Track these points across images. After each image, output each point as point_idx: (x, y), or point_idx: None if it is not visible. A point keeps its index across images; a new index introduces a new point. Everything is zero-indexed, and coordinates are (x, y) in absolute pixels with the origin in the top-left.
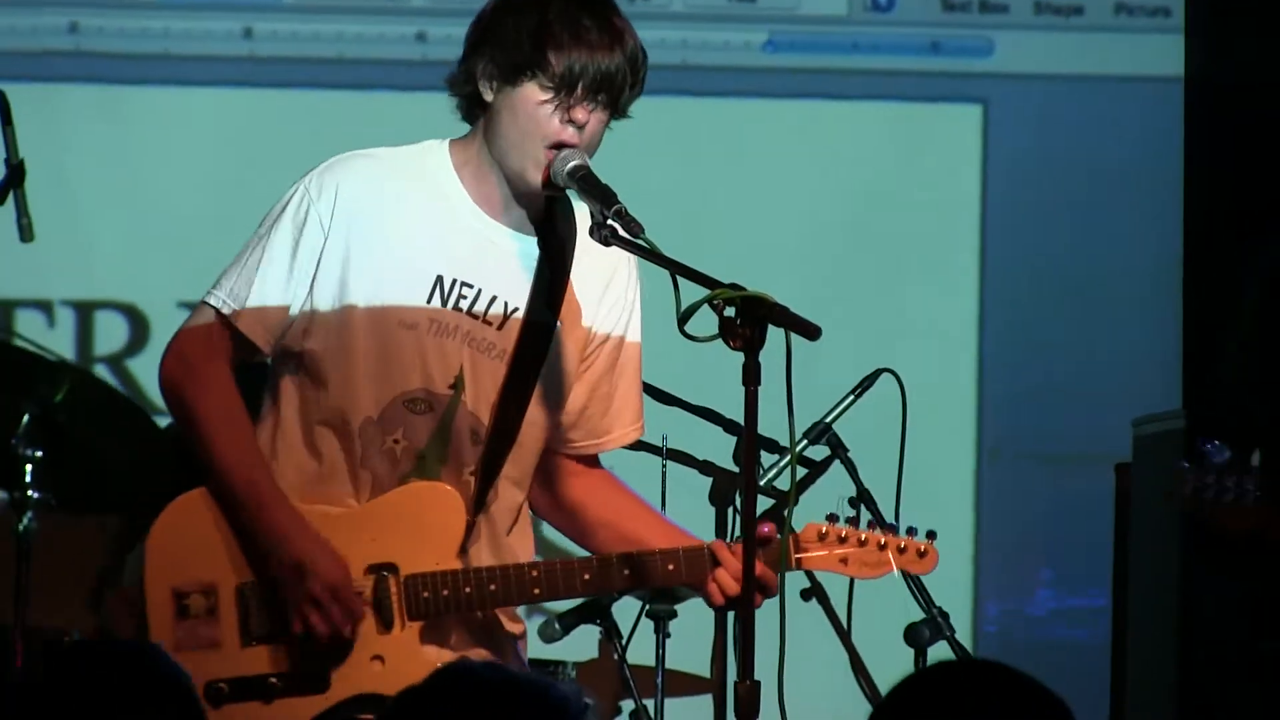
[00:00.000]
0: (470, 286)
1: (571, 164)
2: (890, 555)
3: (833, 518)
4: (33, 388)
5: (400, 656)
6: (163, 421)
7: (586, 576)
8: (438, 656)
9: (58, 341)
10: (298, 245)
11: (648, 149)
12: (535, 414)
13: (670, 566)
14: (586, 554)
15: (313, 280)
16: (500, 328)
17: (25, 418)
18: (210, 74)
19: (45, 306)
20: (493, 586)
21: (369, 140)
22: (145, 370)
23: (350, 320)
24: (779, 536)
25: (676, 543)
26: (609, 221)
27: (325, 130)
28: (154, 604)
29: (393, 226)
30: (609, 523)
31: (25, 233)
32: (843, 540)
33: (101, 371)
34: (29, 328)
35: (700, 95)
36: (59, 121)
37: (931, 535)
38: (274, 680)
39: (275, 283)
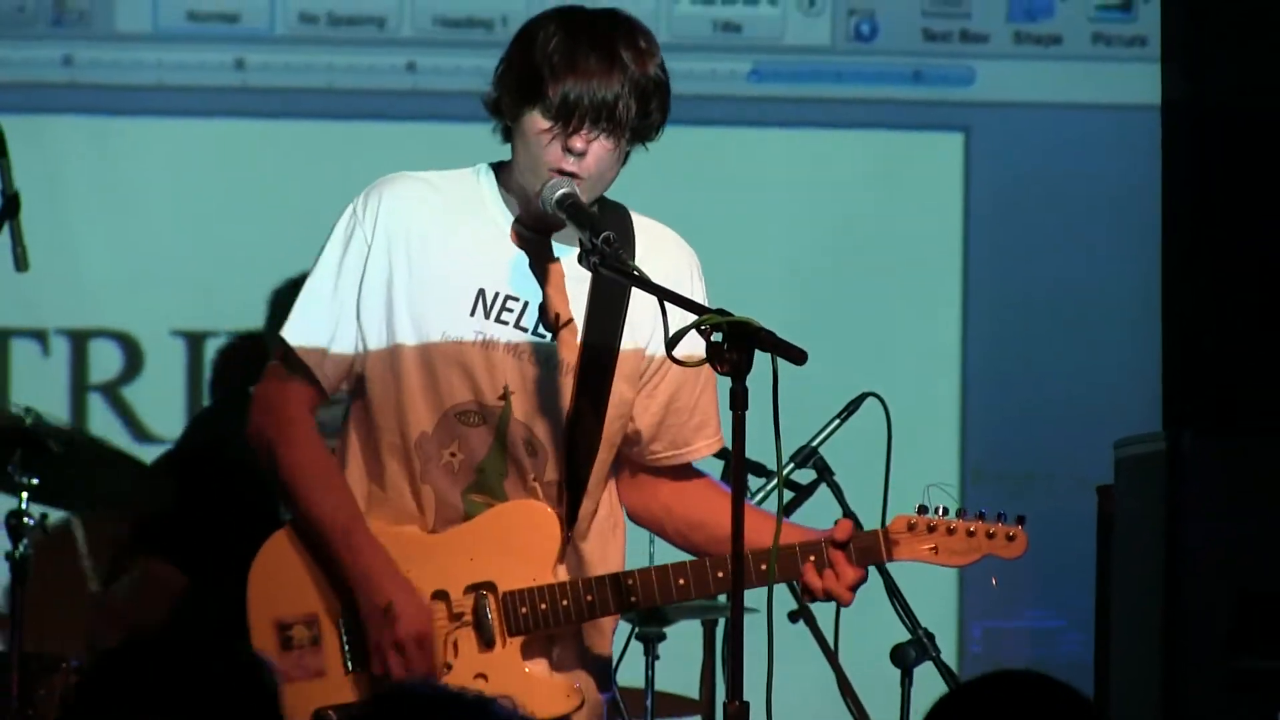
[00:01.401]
0: (516, 299)
1: (559, 193)
2: (980, 541)
3: (922, 509)
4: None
5: (502, 673)
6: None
7: (681, 581)
8: (540, 671)
9: (53, 369)
10: (343, 263)
11: (635, 176)
12: (602, 424)
13: (763, 566)
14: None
15: (359, 298)
16: (554, 339)
17: (17, 451)
18: (203, 105)
19: (40, 335)
20: (589, 597)
21: (360, 169)
22: (139, 397)
23: (395, 335)
24: (858, 530)
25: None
26: (598, 248)
27: (317, 160)
28: (259, 637)
29: (435, 241)
30: (702, 524)
31: (20, 262)
32: (932, 530)
33: (96, 399)
34: (24, 356)
35: (686, 124)
36: (53, 153)
37: (1021, 520)
38: None
39: (321, 299)
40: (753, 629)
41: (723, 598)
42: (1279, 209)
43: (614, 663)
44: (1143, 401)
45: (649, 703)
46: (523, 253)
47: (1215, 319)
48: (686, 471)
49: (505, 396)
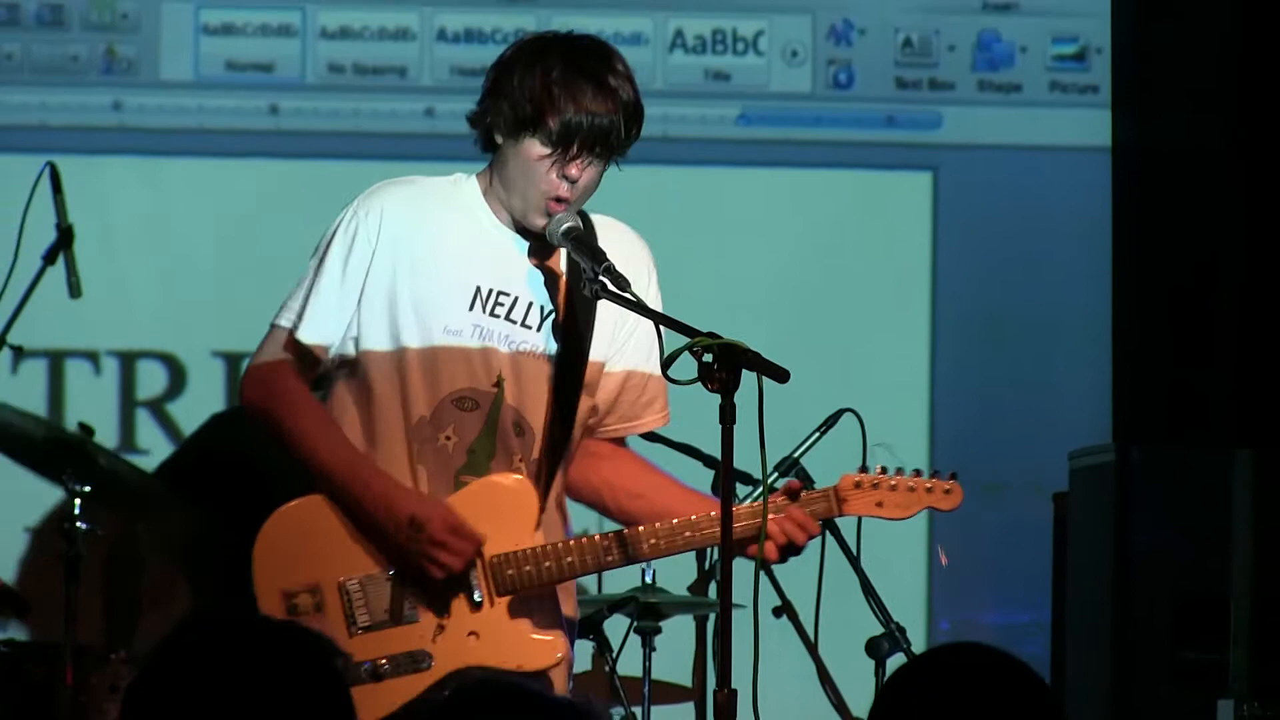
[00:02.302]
0: (507, 294)
1: (565, 225)
2: (920, 495)
3: (864, 469)
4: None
5: (493, 630)
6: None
7: (653, 541)
8: (525, 628)
9: (104, 387)
10: (348, 262)
11: (633, 213)
12: (577, 406)
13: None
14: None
15: (361, 293)
16: (539, 329)
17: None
18: (240, 146)
19: (92, 356)
20: (569, 559)
21: None
22: (182, 412)
23: (399, 328)
24: (806, 487)
25: (711, 509)
26: (599, 278)
27: (343, 196)
28: (266, 607)
29: (434, 243)
30: (641, 494)
31: (74, 289)
32: (876, 487)
33: (143, 414)
34: (78, 375)
35: (680, 164)
36: (104, 190)
37: (954, 476)
38: (384, 663)
39: (330, 298)
40: (740, 623)
41: (712, 593)
42: (1217, 242)
43: (614, 654)
44: (1095, 416)
45: (646, 690)
46: (510, 252)
47: (1161, 341)
48: (621, 449)
49: (499, 383)
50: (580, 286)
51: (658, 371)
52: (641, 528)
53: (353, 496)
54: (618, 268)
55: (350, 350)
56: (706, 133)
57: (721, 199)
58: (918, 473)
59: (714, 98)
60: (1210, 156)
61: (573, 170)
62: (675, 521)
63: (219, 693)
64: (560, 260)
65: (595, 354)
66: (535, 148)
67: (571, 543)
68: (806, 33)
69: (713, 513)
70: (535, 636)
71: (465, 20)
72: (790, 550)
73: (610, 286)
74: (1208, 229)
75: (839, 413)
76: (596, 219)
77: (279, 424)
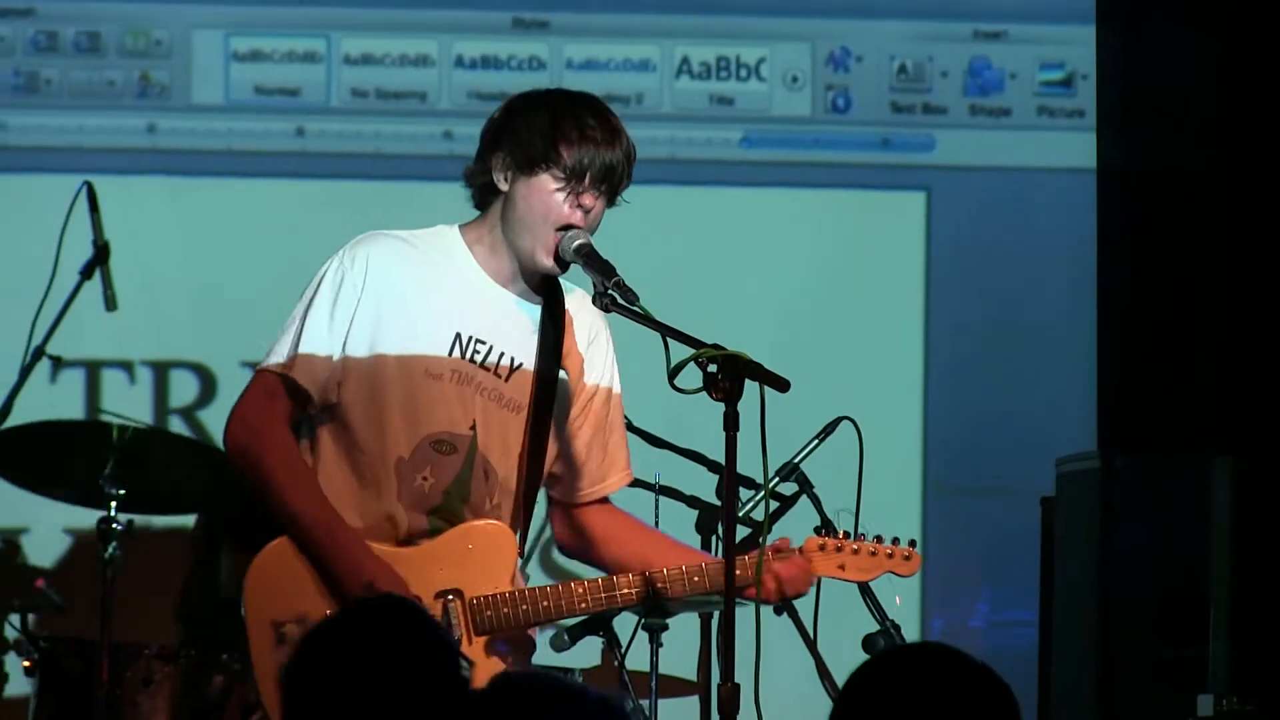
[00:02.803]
0: (484, 343)
1: (577, 243)
2: (881, 560)
3: (824, 530)
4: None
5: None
6: None
7: (626, 590)
8: (499, 666)
9: (138, 395)
10: (335, 308)
11: (642, 231)
12: (544, 458)
13: (696, 579)
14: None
15: (346, 338)
16: (508, 380)
17: (109, 463)
18: (267, 167)
19: (127, 366)
20: (545, 603)
21: (404, 222)
22: (214, 420)
23: (382, 371)
24: (793, 548)
25: (695, 560)
26: (609, 291)
27: (365, 214)
28: (255, 635)
29: (416, 291)
30: (626, 542)
31: (110, 303)
32: (839, 550)
33: (175, 421)
34: (113, 384)
35: (685, 184)
36: (138, 208)
37: (913, 544)
38: None
39: (318, 340)
40: (743, 621)
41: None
42: (1196, 260)
43: (623, 649)
44: (1080, 424)
45: (653, 684)
46: (489, 303)
47: (1143, 354)
48: (608, 507)
49: (474, 428)
50: (545, 336)
51: (616, 434)
52: (618, 576)
53: (318, 549)
54: (582, 329)
55: (332, 395)
56: (711, 154)
57: (725, 217)
58: (879, 539)
59: (718, 121)
60: (1190, 178)
61: (586, 200)
62: (648, 575)
63: (362, 670)
64: (534, 316)
65: (560, 410)
66: (549, 181)
67: (548, 588)
68: (806, 59)
69: (684, 566)
70: None
71: (481, 47)
72: (782, 595)
73: (620, 300)
74: (1188, 247)
75: (837, 420)
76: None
77: (257, 469)
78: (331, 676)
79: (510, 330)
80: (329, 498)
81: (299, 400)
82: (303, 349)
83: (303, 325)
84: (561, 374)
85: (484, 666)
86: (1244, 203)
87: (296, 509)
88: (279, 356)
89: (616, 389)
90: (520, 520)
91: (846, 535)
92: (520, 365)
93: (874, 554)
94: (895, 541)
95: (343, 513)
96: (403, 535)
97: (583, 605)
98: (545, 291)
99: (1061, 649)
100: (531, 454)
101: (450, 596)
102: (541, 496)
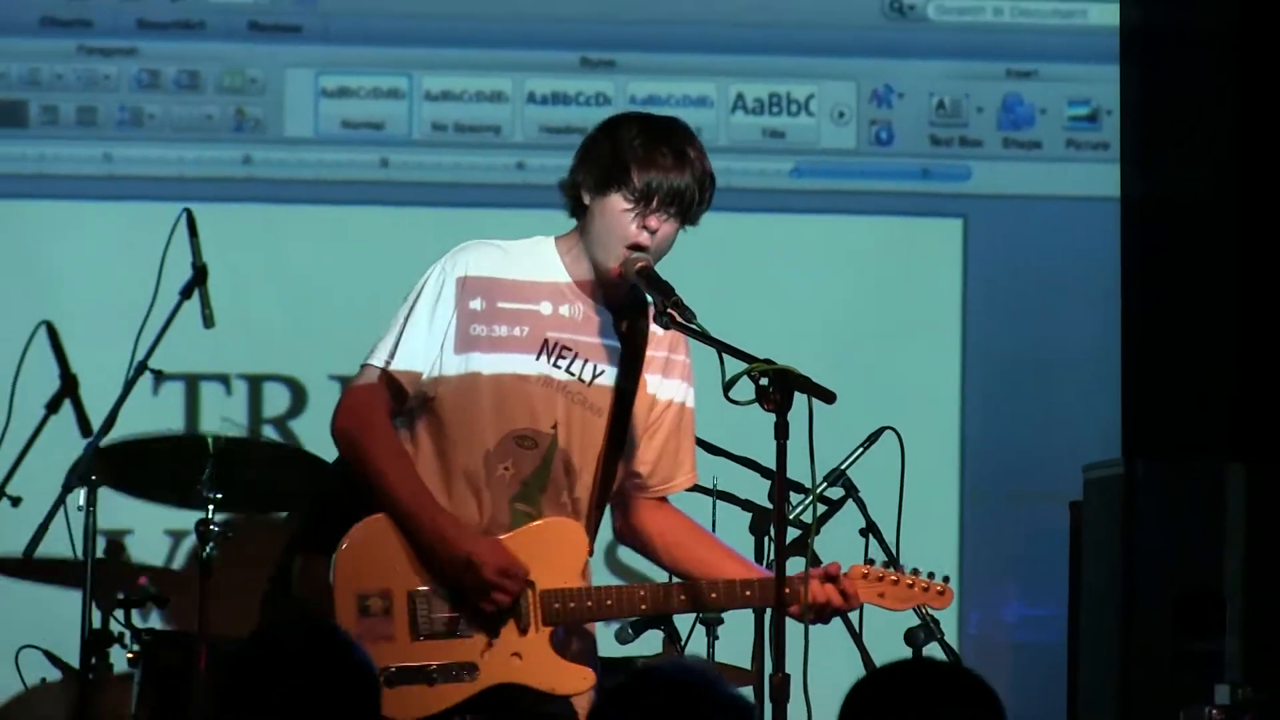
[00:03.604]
0: (569, 350)
1: (639, 265)
2: (917, 593)
3: (870, 563)
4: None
5: (534, 654)
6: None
7: (683, 597)
8: (563, 657)
9: (234, 407)
10: (434, 311)
11: (700, 253)
12: (619, 459)
13: (748, 593)
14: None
15: (443, 340)
16: (590, 384)
17: (207, 469)
18: (354, 195)
19: (224, 379)
20: (609, 601)
21: None
22: (304, 428)
23: (474, 372)
24: (844, 572)
25: (739, 568)
26: (668, 310)
27: (444, 239)
28: (341, 605)
29: (508, 298)
30: (682, 544)
31: (207, 321)
32: (880, 580)
33: (269, 431)
34: (211, 396)
35: (740, 211)
36: (234, 233)
37: (946, 580)
38: (434, 670)
39: (418, 340)
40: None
41: None
42: (1212, 282)
43: (682, 642)
44: (1106, 434)
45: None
46: (576, 311)
47: (1163, 367)
48: (665, 504)
49: (555, 427)
50: (628, 349)
51: (687, 440)
52: (675, 584)
53: (418, 528)
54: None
55: (429, 390)
56: (764, 184)
57: (777, 242)
58: (916, 572)
59: (770, 153)
60: (1206, 205)
61: (652, 222)
62: (704, 584)
63: (276, 684)
64: (621, 326)
65: (637, 417)
66: (619, 202)
67: (612, 589)
68: (852, 96)
69: (737, 581)
70: (571, 665)
71: (552, 85)
72: (825, 612)
73: (678, 318)
74: (1204, 270)
75: (880, 430)
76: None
77: (361, 453)
78: (254, 696)
79: (595, 338)
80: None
81: (397, 394)
82: (402, 348)
83: (404, 326)
84: (641, 380)
85: (545, 653)
86: (1254, 229)
87: (396, 489)
88: (382, 353)
89: (690, 402)
90: (594, 515)
91: (888, 566)
92: (603, 371)
93: (911, 586)
94: (931, 576)
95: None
96: (485, 522)
97: (642, 607)
98: (630, 301)
99: (1088, 642)
100: (609, 455)
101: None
102: None
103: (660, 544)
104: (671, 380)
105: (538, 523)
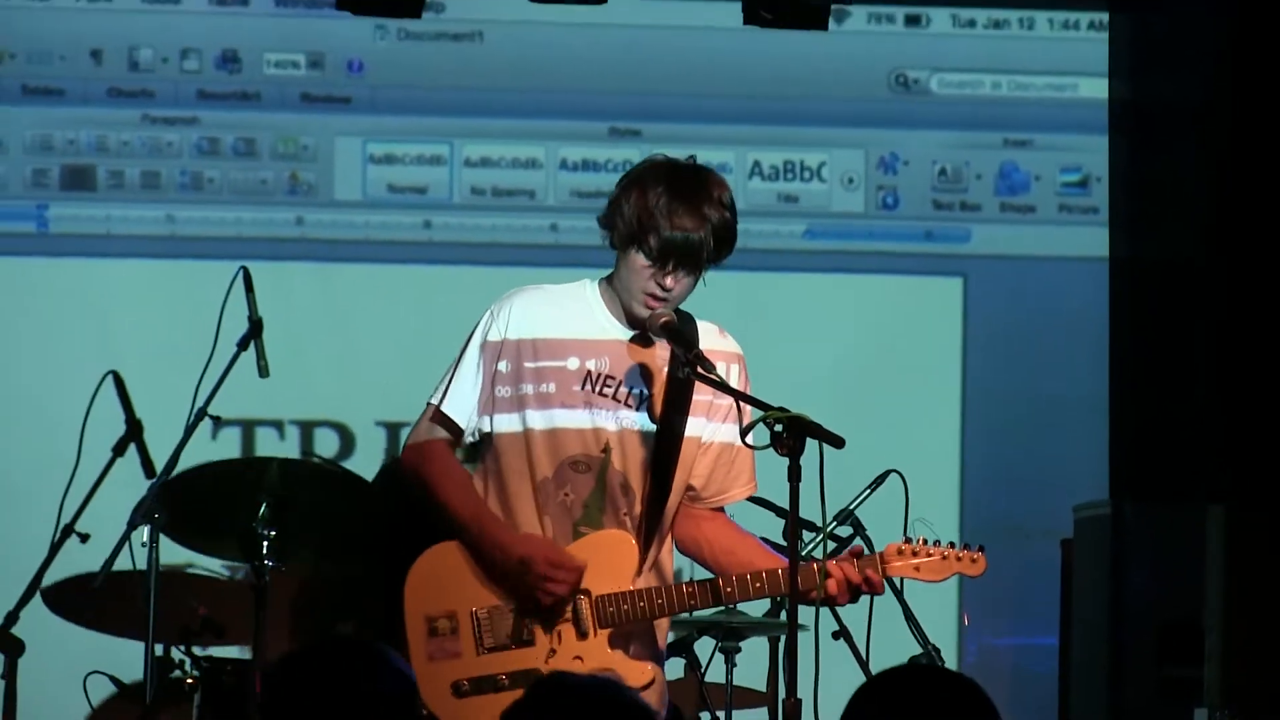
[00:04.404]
0: (613, 378)
1: (661, 320)
2: (951, 563)
3: (908, 540)
4: (261, 481)
5: (595, 655)
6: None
7: (728, 590)
8: (622, 654)
9: (287, 450)
10: (483, 352)
11: (720, 309)
12: (673, 476)
13: (757, 585)
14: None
15: (494, 378)
16: (638, 409)
17: (263, 506)
18: (399, 254)
19: (278, 424)
20: (660, 600)
21: None
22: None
23: (525, 406)
24: (866, 552)
25: (780, 566)
26: (689, 362)
27: (483, 295)
28: (411, 627)
29: (553, 335)
30: (732, 551)
31: (263, 371)
32: (915, 554)
33: None
34: (266, 440)
35: (757, 270)
36: (287, 289)
37: (981, 549)
38: (503, 678)
39: (468, 381)
40: (805, 643)
41: (782, 615)
42: (1194, 337)
43: (703, 668)
44: (1095, 477)
45: (729, 696)
46: (619, 342)
47: (1149, 418)
48: (720, 514)
49: (606, 450)
50: (676, 373)
51: (743, 453)
52: (720, 579)
53: (477, 542)
54: (707, 357)
55: (487, 425)
56: (779, 245)
57: (792, 298)
58: (951, 545)
59: (785, 216)
60: (1188, 266)
61: (668, 281)
62: (748, 575)
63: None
64: (660, 353)
65: (690, 432)
66: (639, 259)
67: (663, 587)
68: (860, 164)
69: (779, 569)
70: (630, 661)
71: (583, 152)
72: (851, 591)
73: (699, 369)
74: (1186, 325)
75: (886, 473)
76: (700, 324)
77: (423, 477)
78: (295, 712)
79: (638, 366)
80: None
81: (453, 429)
82: (454, 387)
83: (457, 367)
84: (694, 400)
85: (605, 654)
86: (1233, 289)
87: (452, 505)
88: (439, 393)
89: (745, 418)
90: (656, 528)
91: (925, 541)
92: (650, 396)
93: (945, 558)
94: (966, 547)
95: None
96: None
97: (691, 603)
98: (673, 329)
99: (1078, 669)
100: (661, 472)
101: (581, 595)
102: None
103: (709, 552)
104: (719, 423)
105: (590, 535)
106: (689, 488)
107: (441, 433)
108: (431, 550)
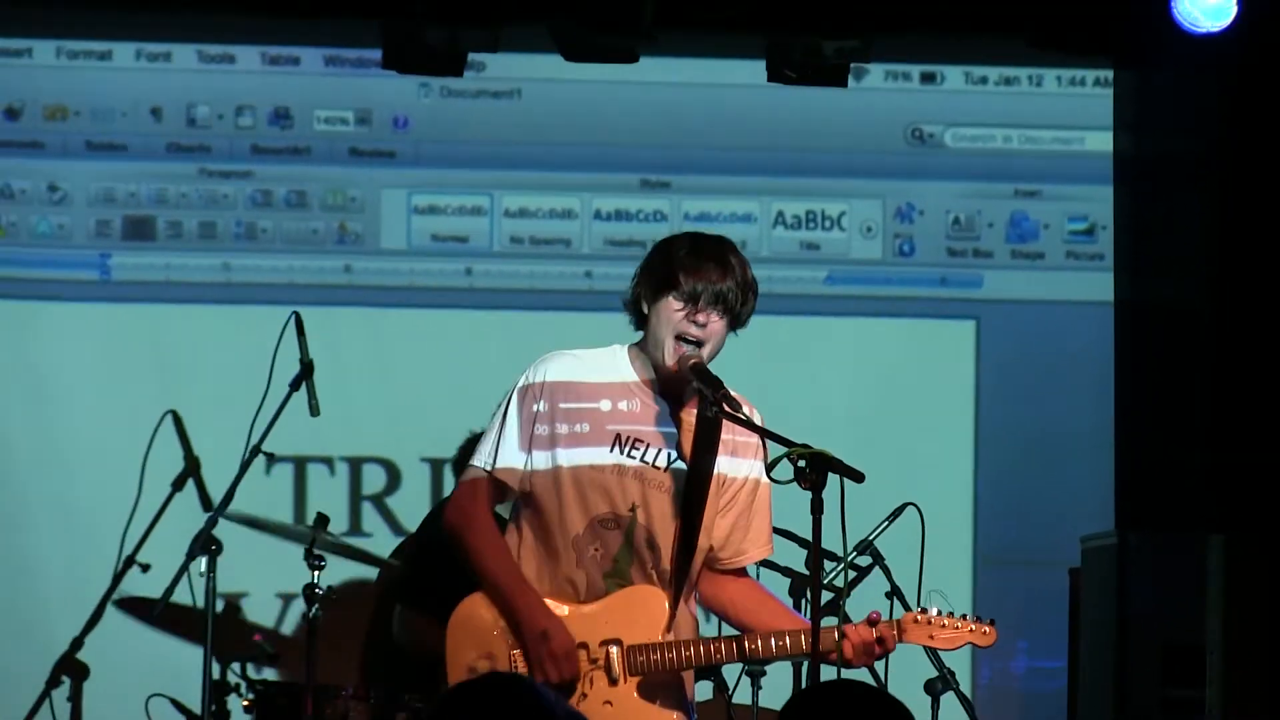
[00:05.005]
0: (641, 442)
1: (691, 361)
2: (964, 634)
3: (923, 610)
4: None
5: (623, 701)
6: None
7: (753, 647)
8: (649, 703)
9: (337, 486)
10: (521, 417)
11: (745, 351)
12: (697, 533)
13: (804, 645)
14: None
15: (531, 440)
16: (665, 470)
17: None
18: (441, 300)
19: (328, 461)
20: (688, 653)
21: (552, 346)
22: (398, 505)
23: (560, 467)
24: (883, 619)
25: (799, 626)
26: (717, 402)
27: (520, 339)
28: (454, 671)
29: (586, 399)
30: (756, 611)
31: (314, 410)
32: (930, 624)
33: (367, 506)
34: (317, 476)
35: (781, 314)
36: (337, 333)
37: (992, 622)
38: None
39: (511, 445)
40: (827, 669)
41: None
42: (1194, 376)
43: (730, 690)
44: (1101, 509)
45: (754, 717)
46: (646, 406)
47: (1152, 451)
48: (742, 574)
49: (633, 509)
50: (704, 412)
51: (760, 516)
52: (746, 637)
53: (508, 603)
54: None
55: (526, 485)
56: (801, 290)
57: (813, 341)
58: (964, 617)
59: (807, 263)
60: (1188, 309)
61: (700, 318)
62: (772, 634)
63: None
64: (685, 413)
65: (710, 496)
66: (672, 303)
67: (691, 641)
68: (878, 213)
69: (800, 630)
70: (658, 709)
71: (615, 203)
72: (866, 654)
73: (726, 408)
74: (1187, 365)
75: (903, 506)
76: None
77: (465, 542)
78: None
79: (664, 430)
80: (527, 567)
81: (499, 491)
82: (501, 452)
83: (500, 432)
84: (716, 462)
85: (633, 700)
86: (1230, 330)
87: (492, 574)
88: (483, 457)
89: (765, 477)
90: (680, 582)
91: (939, 613)
92: (675, 458)
93: (958, 629)
94: (978, 619)
95: (536, 578)
96: (582, 595)
97: (717, 657)
98: (691, 394)
99: (1086, 690)
100: (686, 530)
101: (612, 644)
102: None
103: (731, 611)
104: (741, 459)
105: (624, 590)
106: (708, 549)
107: (485, 494)
108: (468, 600)
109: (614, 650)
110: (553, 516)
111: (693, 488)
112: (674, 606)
